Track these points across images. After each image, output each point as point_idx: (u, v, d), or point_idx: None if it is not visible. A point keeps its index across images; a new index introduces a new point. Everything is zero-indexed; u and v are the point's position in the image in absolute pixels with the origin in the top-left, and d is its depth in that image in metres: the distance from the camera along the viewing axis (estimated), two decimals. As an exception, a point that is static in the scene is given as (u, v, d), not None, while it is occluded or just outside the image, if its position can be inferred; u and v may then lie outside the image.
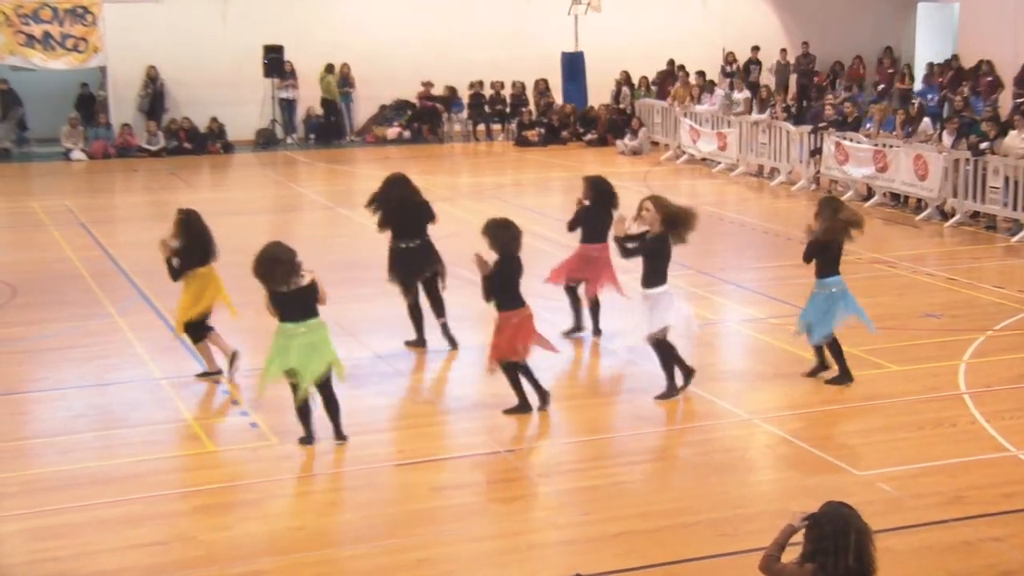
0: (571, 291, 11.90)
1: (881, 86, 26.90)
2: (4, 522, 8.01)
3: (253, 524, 7.96)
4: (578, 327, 11.95)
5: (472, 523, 7.96)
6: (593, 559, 7.38)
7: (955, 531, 7.72)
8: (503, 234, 9.62)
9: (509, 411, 9.72)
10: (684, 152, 24.58)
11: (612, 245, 11.64)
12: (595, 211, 11.68)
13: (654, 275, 10.02)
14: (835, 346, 10.37)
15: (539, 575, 7.29)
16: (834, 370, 10.44)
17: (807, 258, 10.29)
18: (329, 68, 27.31)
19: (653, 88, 27.49)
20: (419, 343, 11.58)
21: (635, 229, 10.23)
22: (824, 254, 10.27)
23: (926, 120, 19.48)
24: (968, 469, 8.69)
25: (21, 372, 11.27)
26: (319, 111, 27.63)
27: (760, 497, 8.40)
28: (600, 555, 7.44)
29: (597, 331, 11.93)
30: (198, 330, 10.77)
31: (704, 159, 24.00)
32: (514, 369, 9.69)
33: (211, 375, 10.77)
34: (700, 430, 9.63)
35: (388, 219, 11.42)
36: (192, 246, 10.61)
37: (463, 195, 20.54)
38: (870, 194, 19.65)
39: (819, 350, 10.52)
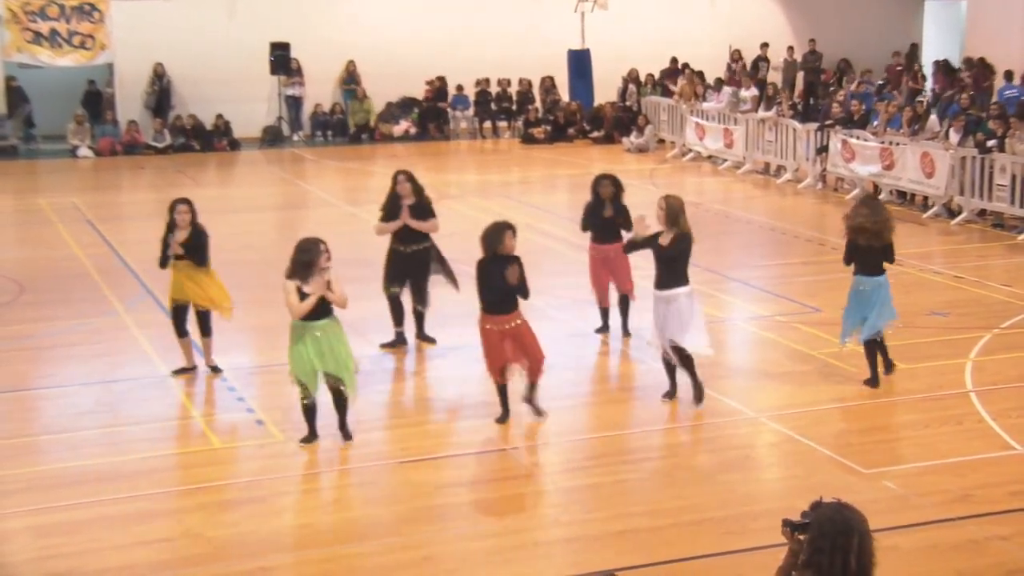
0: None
1: (879, 82, 26.78)
2: (11, 519, 8.03)
3: (259, 521, 7.97)
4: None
5: (477, 521, 7.97)
6: (598, 557, 7.38)
7: (962, 529, 7.71)
8: (485, 233, 9.40)
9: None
10: (690, 150, 24.56)
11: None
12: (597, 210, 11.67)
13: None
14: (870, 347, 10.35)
15: (544, 573, 7.29)
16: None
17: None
18: (350, 84, 27.54)
19: (659, 87, 27.45)
20: (398, 342, 11.49)
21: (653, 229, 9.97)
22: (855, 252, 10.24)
23: (933, 118, 19.45)
24: (975, 467, 8.68)
25: (28, 369, 11.29)
26: (326, 108, 27.66)
27: (766, 495, 8.40)
28: (605, 553, 7.44)
29: (627, 331, 11.84)
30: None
31: (710, 156, 23.98)
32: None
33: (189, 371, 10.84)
34: (706, 428, 9.62)
35: (389, 219, 11.34)
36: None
37: (470, 192, 20.54)
38: (876, 192, 19.60)
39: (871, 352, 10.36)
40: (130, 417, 9.93)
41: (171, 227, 10.59)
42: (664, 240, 9.74)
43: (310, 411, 9.12)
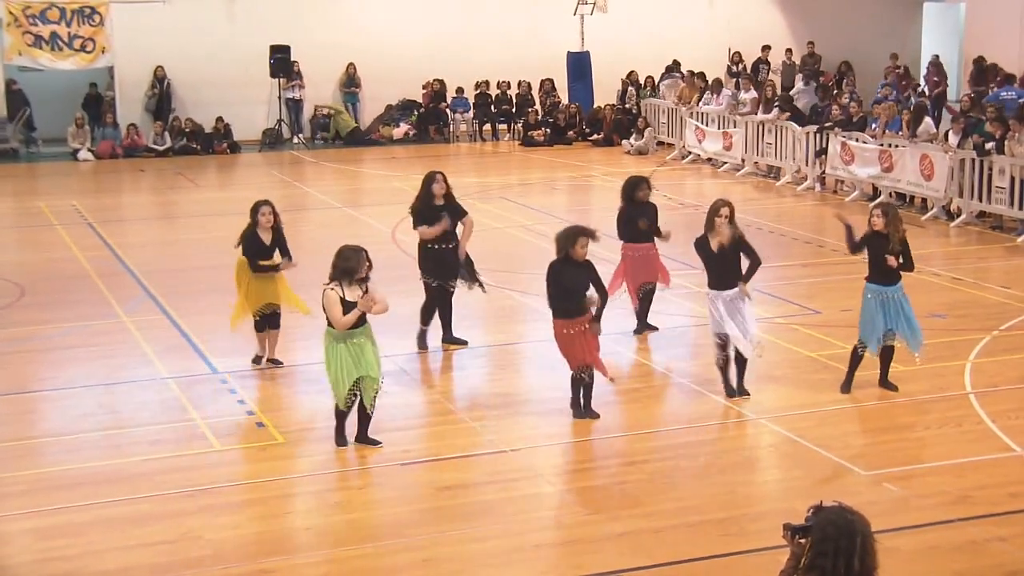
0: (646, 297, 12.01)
1: (888, 87, 26.78)
2: (12, 521, 8.04)
3: (260, 523, 7.99)
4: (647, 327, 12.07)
5: (478, 523, 7.97)
6: (599, 559, 7.40)
7: (961, 531, 7.72)
8: (558, 237, 9.55)
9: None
10: (690, 152, 24.58)
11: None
12: (628, 212, 11.81)
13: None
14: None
15: (545, 575, 7.31)
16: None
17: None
18: (350, 87, 27.69)
19: (656, 90, 27.47)
20: (458, 340, 11.62)
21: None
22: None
23: (928, 120, 19.43)
24: (974, 469, 8.70)
25: (29, 371, 11.30)
26: (327, 111, 27.71)
27: (766, 497, 8.41)
28: (606, 555, 7.45)
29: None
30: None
31: (710, 159, 23.99)
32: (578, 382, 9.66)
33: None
34: (706, 430, 9.64)
35: (422, 218, 11.40)
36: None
37: (470, 195, 20.52)
38: (876, 194, 19.63)
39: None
40: (131, 419, 9.94)
41: (253, 228, 10.79)
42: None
43: (344, 416, 9.08)
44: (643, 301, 11.94)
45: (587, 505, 8.18)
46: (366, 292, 8.91)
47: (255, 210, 10.83)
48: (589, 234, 9.46)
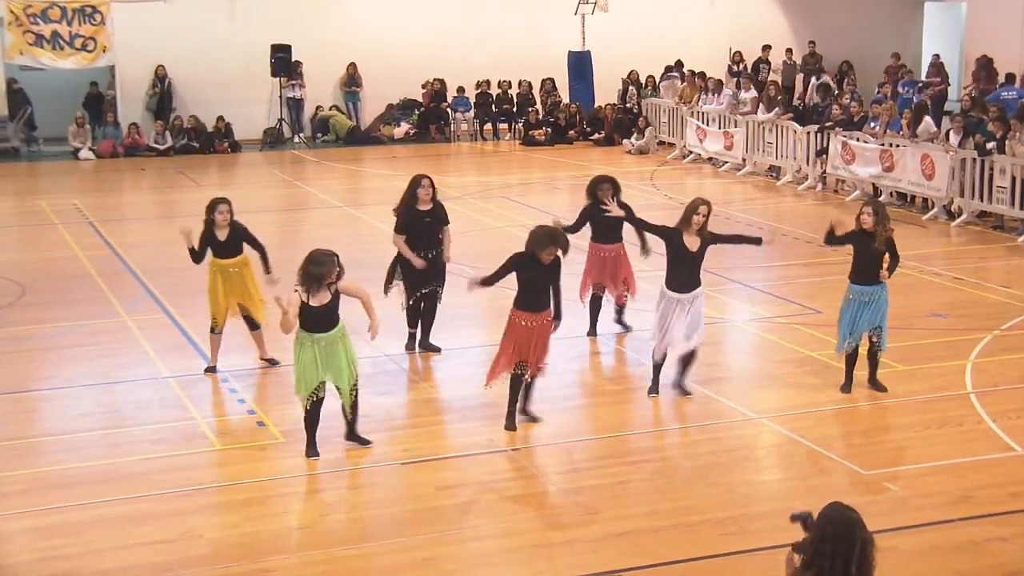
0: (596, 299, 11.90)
1: (882, 85, 26.72)
2: (11, 520, 8.04)
3: (260, 522, 7.99)
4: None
5: (477, 522, 7.97)
6: (598, 558, 7.40)
7: (961, 531, 7.72)
8: (532, 233, 9.41)
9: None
10: (691, 151, 24.58)
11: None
12: (595, 211, 11.60)
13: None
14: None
15: (544, 574, 7.30)
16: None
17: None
18: (351, 86, 27.72)
19: (659, 88, 27.47)
20: (432, 347, 11.56)
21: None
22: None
23: (927, 119, 19.42)
24: (975, 469, 8.69)
25: (29, 370, 11.31)
26: (327, 111, 27.74)
27: (766, 496, 8.41)
28: (605, 554, 7.45)
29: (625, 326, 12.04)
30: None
31: (711, 158, 23.99)
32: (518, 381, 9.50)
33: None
34: (706, 429, 9.63)
35: (404, 224, 11.26)
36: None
37: (471, 194, 20.54)
38: (877, 193, 19.61)
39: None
40: (130, 418, 9.94)
41: (210, 227, 10.73)
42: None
43: (312, 418, 8.98)
44: (593, 304, 11.81)
45: (587, 505, 8.18)
46: (334, 296, 8.82)
47: (212, 208, 10.71)
48: (560, 245, 9.30)
